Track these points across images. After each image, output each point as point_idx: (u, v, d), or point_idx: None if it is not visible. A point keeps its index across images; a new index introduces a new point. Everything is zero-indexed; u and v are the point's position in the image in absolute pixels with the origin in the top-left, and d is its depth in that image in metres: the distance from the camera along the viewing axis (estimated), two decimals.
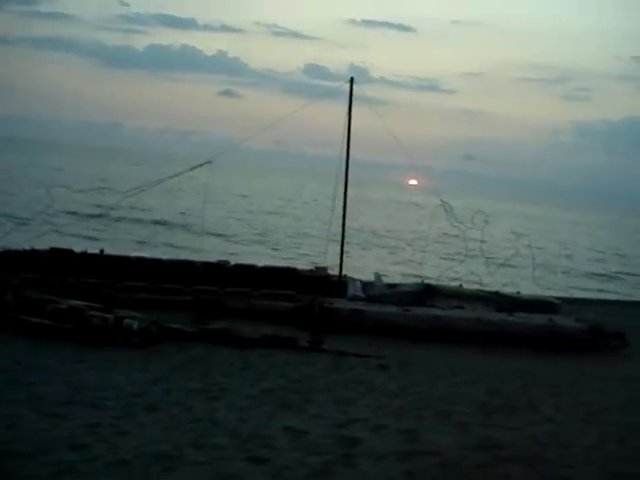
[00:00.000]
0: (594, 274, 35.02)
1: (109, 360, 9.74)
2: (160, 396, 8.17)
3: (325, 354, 11.09)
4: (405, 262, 29.52)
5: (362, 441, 6.98)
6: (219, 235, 31.68)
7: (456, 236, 16.43)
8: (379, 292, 14.26)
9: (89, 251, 14.58)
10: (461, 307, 13.79)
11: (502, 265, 19.00)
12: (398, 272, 24.55)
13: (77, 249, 14.81)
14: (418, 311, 13.14)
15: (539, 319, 13.23)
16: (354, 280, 15.05)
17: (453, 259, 21.15)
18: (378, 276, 15.94)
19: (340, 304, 13.19)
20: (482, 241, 15.08)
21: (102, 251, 14.66)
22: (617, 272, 36.85)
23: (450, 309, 13.47)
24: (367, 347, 11.67)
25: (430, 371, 10.51)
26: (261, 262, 16.82)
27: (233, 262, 15.37)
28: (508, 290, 15.34)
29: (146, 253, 17.11)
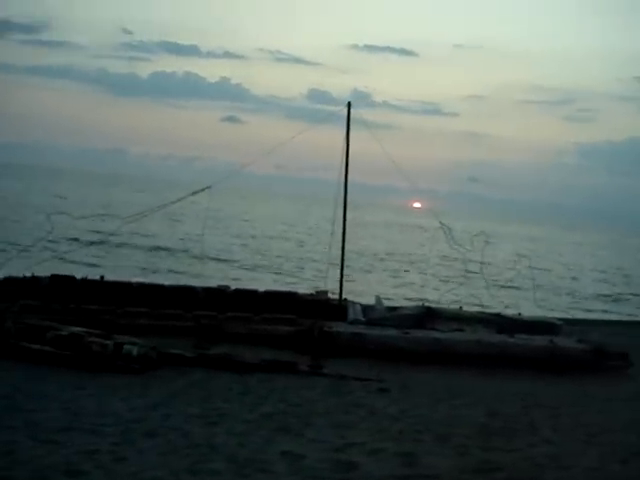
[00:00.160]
0: (598, 295, 34.93)
1: (108, 386, 9.72)
2: (159, 422, 8.15)
3: (325, 378, 11.06)
4: (407, 285, 29.48)
5: (359, 465, 6.97)
6: (222, 260, 31.73)
7: (456, 259, 16.45)
8: (379, 315, 14.26)
9: (90, 277, 14.62)
10: (461, 329, 13.75)
11: (503, 287, 18.97)
12: (400, 295, 24.51)
13: (78, 275, 14.86)
14: (418, 334, 13.12)
15: (540, 340, 13.20)
16: (354, 304, 15.05)
17: (454, 281, 21.17)
18: (379, 299, 15.92)
19: (340, 328, 13.18)
20: (482, 263, 15.10)
21: (102, 277, 14.71)
22: (621, 293, 36.75)
23: (450, 332, 13.44)
24: (367, 371, 11.64)
25: (430, 394, 10.47)
26: (263, 287, 16.85)
27: (234, 287, 15.39)
28: (509, 312, 15.32)
29: (147, 279, 17.18)
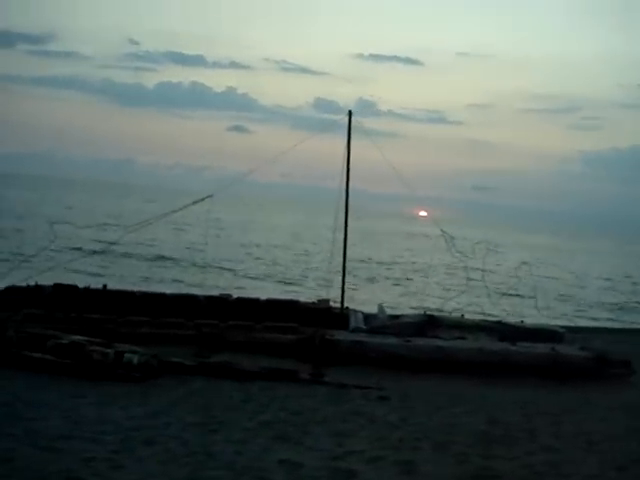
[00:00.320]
0: (603, 303, 34.80)
1: (109, 395, 9.74)
2: (158, 430, 8.16)
3: (325, 386, 11.05)
4: (410, 293, 29.44)
5: (358, 473, 6.97)
6: (225, 269, 31.76)
7: (460, 267, 16.44)
8: (381, 323, 14.25)
9: (92, 286, 14.68)
10: (463, 337, 13.74)
11: (506, 295, 18.95)
12: (403, 303, 24.49)
13: (81, 285, 14.92)
14: (420, 342, 13.11)
15: (542, 348, 13.16)
16: (356, 312, 15.05)
17: (457, 290, 21.14)
18: (381, 308, 15.94)
19: (341, 336, 13.18)
20: (483, 271, 15.09)
21: (105, 286, 14.77)
22: (627, 301, 36.61)
23: (452, 339, 13.43)
24: (368, 379, 11.62)
25: (431, 402, 10.46)
26: (266, 296, 16.87)
27: (236, 295, 15.42)
28: (511, 319, 15.29)
29: (150, 288, 17.23)
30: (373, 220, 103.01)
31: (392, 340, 13.09)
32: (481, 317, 16.09)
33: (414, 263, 44.37)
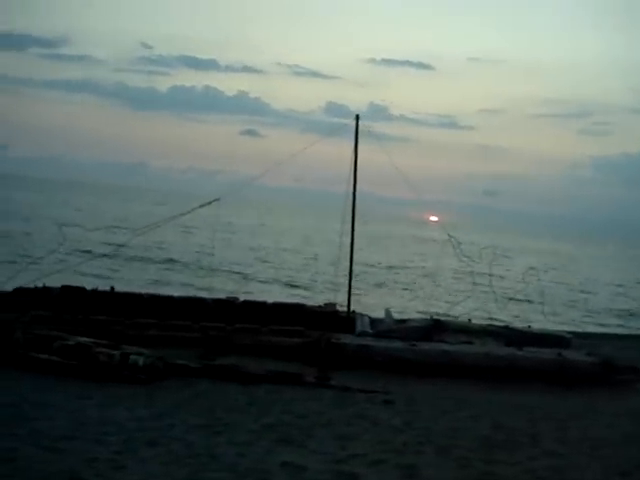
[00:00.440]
0: (612, 309, 34.63)
1: (114, 396, 9.79)
2: (162, 431, 8.20)
3: (331, 390, 11.06)
4: (418, 298, 29.40)
5: (360, 476, 6.98)
6: (235, 273, 31.83)
7: (465, 272, 16.42)
8: (387, 328, 14.25)
9: (100, 288, 14.77)
10: (470, 342, 13.71)
11: (515, 300, 18.90)
12: (411, 308, 24.45)
13: (90, 287, 15.01)
14: (426, 346, 13.09)
15: (549, 353, 13.11)
16: (362, 316, 15.06)
17: (464, 294, 21.10)
18: (388, 312, 15.93)
19: (347, 340, 13.19)
20: (490, 275, 15.07)
21: (113, 288, 14.85)
22: (638, 307, 36.39)
23: (458, 344, 13.40)
24: (374, 383, 11.62)
25: (435, 406, 10.44)
26: (273, 299, 16.90)
27: (242, 298, 15.46)
28: (519, 324, 15.25)
29: (159, 291, 17.30)
30: (383, 224, 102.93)
31: (398, 344, 13.08)
32: (488, 322, 16.04)
33: (423, 268, 44.30)
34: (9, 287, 14.47)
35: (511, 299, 24.67)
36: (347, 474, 7.01)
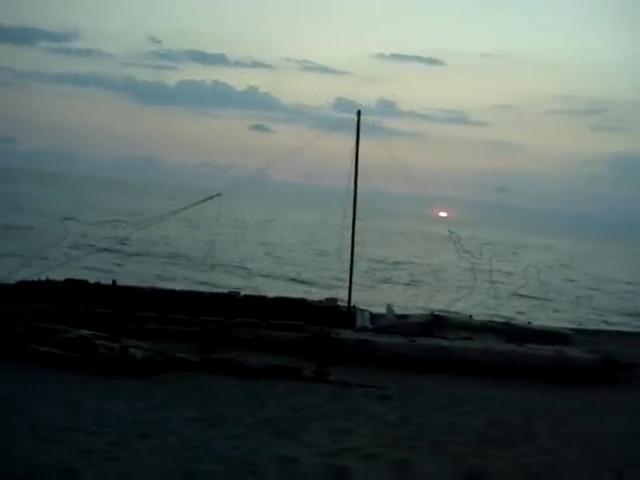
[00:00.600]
0: (622, 307, 34.47)
1: (113, 388, 9.88)
2: (158, 424, 8.26)
3: (329, 384, 11.10)
4: (423, 294, 29.41)
5: (351, 470, 7.01)
6: (241, 268, 31.90)
7: (475, 268, 16.34)
8: (388, 323, 14.27)
9: (102, 282, 14.87)
10: (470, 338, 13.71)
11: (518, 296, 18.89)
12: (415, 304, 24.45)
13: (93, 280, 15.11)
14: (425, 342, 13.11)
15: (549, 350, 13.10)
16: (363, 311, 15.09)
17: (467, 290, 21.08)
18: (390, 307, 15.96)
19: (347, 334, 13.22)
20: (490, 271, 15.05)
21: (115, 282, 14.95)
22: None
23: (458, 340, 13.41)
24: (372, 378, 11.65)
25: (432, 402, 10.46)
26: (276, 294, 16.95)
27: (244, 293, 15.52)
28: (520, 321, 15.24)
29: (162, 285, 17.39)
30: (392, 220, 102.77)
31: (398, 339, 13.10)
32: (490, 318, 16.03)
33: (429, 264, 44.24)
34: (13, 280, 14.59)
35: (519, 295, 24.71)
36: (339, 468, 7.04)
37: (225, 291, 15.71)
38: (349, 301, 15.10)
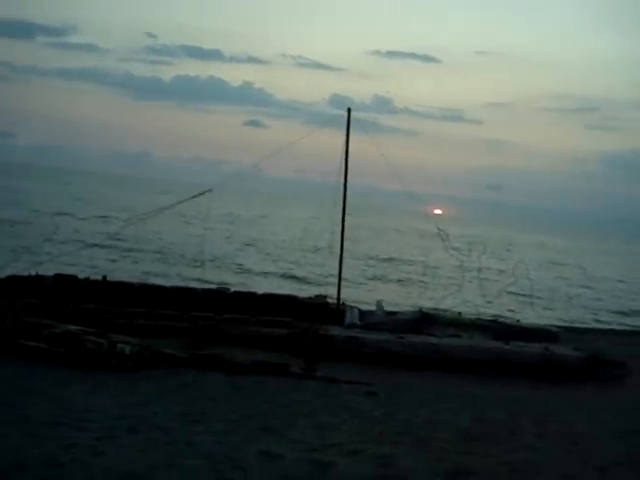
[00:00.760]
0: (614, 305, 34.60)
1: (100, 384, 9.91)
2: (143, 419, 8.28)
3: (316, 381, 11.15)
4: (414, 291, 29.46)
5: (335, 465, 7.04)
6: (233, 264, 31.89)
7: (459, 265, 16.43)
8: (377, 320, 14.33)
9: (92, 277, 14.88)
10: (458, 335, 13.78)
11: (509, 294, 18.96)
12: (405, 301, 24.48)
13: (82, 276, 15.12)
14: (413, 339, 13.17)
15: (536, 348, 13.18)
16: (352, 308, 15.14)
17: (455, 287, 21.19)
18: (379, 304, 16.00)
19: (336, 331, 13.27)
20: (479, 268, 15.14)
21: (105, 277, 14.96)
22: (637, 304, 36.32)
23: (446, 337, 13.48)
24: (360, 374, 11.71)
25: (418, 398, 10.52)
26: (268, 290, 16.97)
27: (233, 289, 15.55)
28: (507, 318, 15.32)
29: (153, 281, 17.39)
30: (386, 217, 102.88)
31: (386, 336, 13.16)
32: (478, 315, 16.10)
33: (422, 262, 44.29)
34: (3, 275, 14.59)
35: (508, 293, 24.79)
36: (322, 463, 7.08)
37: (214, 287, 15.71)
38: (338, 298, 15.16)
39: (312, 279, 30.70)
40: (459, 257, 14.74)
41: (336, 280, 16.18)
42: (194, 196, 14.25)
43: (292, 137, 15.61)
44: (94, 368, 10.56)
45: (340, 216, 15.44)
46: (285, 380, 11.10)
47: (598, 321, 27.67)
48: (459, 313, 15.34)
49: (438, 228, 14.72)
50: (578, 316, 28.18)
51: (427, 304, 20.27)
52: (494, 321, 14.80)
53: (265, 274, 30.57)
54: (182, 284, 17.29)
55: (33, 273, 14.45)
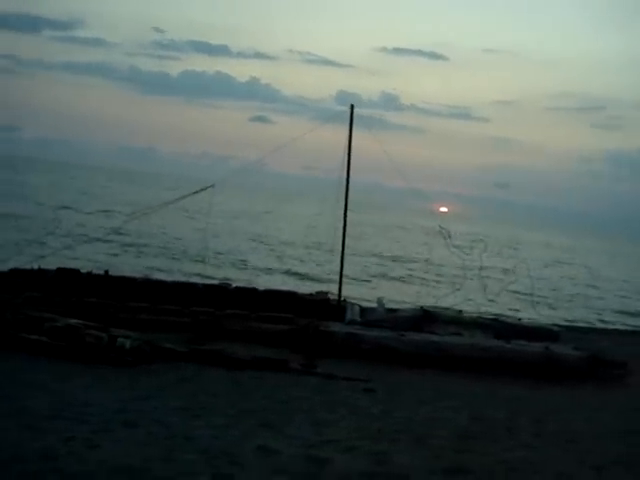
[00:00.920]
0: (618, 304, 34.52)
1: (100, 377, 9.94)
2: (142, 413, 8.31)
3: (315, 377, 11.17)
4: (417, 288, 29.43)
5: (331, 461, 7.06)
6: (238, 260, 31.92)
7: (461, 263, 16.39)
8: (377, 317, 14.34)
9: (94, 272, 14.93)
10: (459, 333, 13.78)
11: (505, 292, 18.96)
12: (408, 298, 24.48)
13: (85, 270, 15.17)
14: (414, 336, 13.17)
15: (536, 347, 13.17)
16: (353, 304, 15.16)
17: (457, 285, 21.19)
18: (381, 301, 16.02)
19: (336, 328, 13.29)
20: (480, 267, 15.13)
21: (107, 272, 15.00)
22: None
23: (447, 335, 13.48)
24: (360, 371, 11.72)
25: (417, 396, 10.53)
26: (268, 286, 17.01)
27: (234, 285, 15.59)
28: (509, 317, 15.31)
29: (156, 276, 17.44)
30: (391, 214, 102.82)
31: (386, 333, 13.17)
32: (480, 314, 16.10)
33: (426, 260, 44.24)
34: (6, 268, 14.65)
35: (511, 292, 24.78)
36: (318, 459, 7.10)
37: (216, 283, 15.75)
38: (339, 294, 15.17)
39: (315, 276, 30.69)
40: (461, 255, 14.75)
41: (338, 277, 16.17)
42: (196, 191, 14.28)
43: (298, 133, 15.64)
44: (94, 362, 10.60)
45: (341, 212, 15.43)
46: (285, 376, 11.13)
47: (602, 321, 27.62)
48: (460, 311, 15.34)
49: (440, 226, 14.72)
50: (582, 316, 28.14)
51: (429, 302, 20.29)
52: (495, 319, 14.80)
53: (269, 270, 30.58)
54: (184, 279, 17.33)
55: (36, 267, 14.50)
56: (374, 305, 16.04)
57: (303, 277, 29.79)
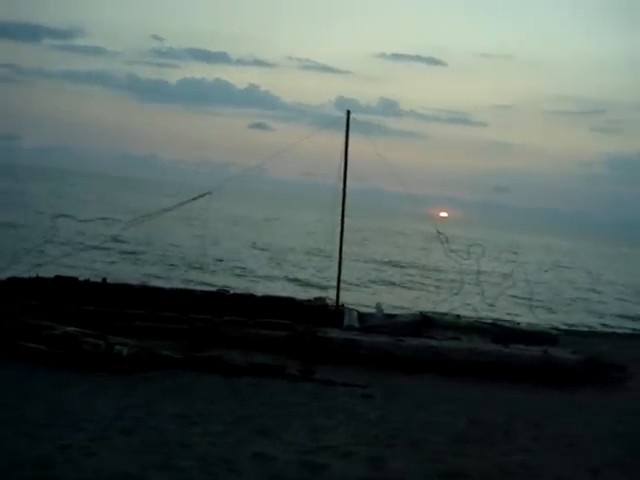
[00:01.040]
0: (617, 308, 34.49)
1: (97, 385, 9.94)
2: (139, 420, 8.31)
3: (313, 383, 11.16)
4: (415, 294, 29.47)
5: (328, 467, 7.06)
6: (237, 267, 31.91)
7: (459, 268, 16.40)
8: (376, 322, 14.34)
9: (92, 279, 14.95)
10: (457, 338, 13.78)
11: (503, 296, 18.97)
12: (406, 303, 24.50)
13: (82, 277, 15.19)
14: (412, 342, 13.17)
15: (535, 351, 13.16)
16: (351, 310, 15.16)
17: (455, 290, 21.21)
18: (379, 307, 16.02)
19: (334, 333, 13.28)
20: (478, 272, 15.14)
21: (105, 279, 15.02)
22: None
23: (445, 340, 13.48)
24: (358, 377, 11.71)
25: (415, 401, 10.53)
26: (265, 292, 17.00)
27: (232, 291, 15.60)
28: (507, 321, 15.31)
29: (153, 283, 17.44)
30: (391, 220, 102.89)
31: (384, 339, 13.16)
32: (478, 318, 16.09)
33: (425, 265, 44.28)
34: (3, 276, 14.66)
35: (510, 296, 24.78)
36: (316, 465, 7.10)
37: (214, 289, 15.76)
38: (337, 300, 15.18)
39: (315, 282, 30.68)
40: (458, 260, 14.77)
41: (342, 284, 16.15)
42: (193, 198, 14.30)
43: (297, 140, 15.65)
44: (92, 370, 10.59)
45: (339, 218, 15.44)
46: (282, 382, 11.12)
47: (603, 325, 27.59)
48: (457, 316, 15.34)
49: (437, 231, 14.74)
50: (582, 319, 28.13)
51: (428, 307, 20.28)
52: (493, 324, 14.79)
53: (268, 277, 30.57)
54: (182, 286, 17.35)
55: (33, 275, 14.52)
56: (373, 310, 16.04)
57: (303, 283, 29.76)
